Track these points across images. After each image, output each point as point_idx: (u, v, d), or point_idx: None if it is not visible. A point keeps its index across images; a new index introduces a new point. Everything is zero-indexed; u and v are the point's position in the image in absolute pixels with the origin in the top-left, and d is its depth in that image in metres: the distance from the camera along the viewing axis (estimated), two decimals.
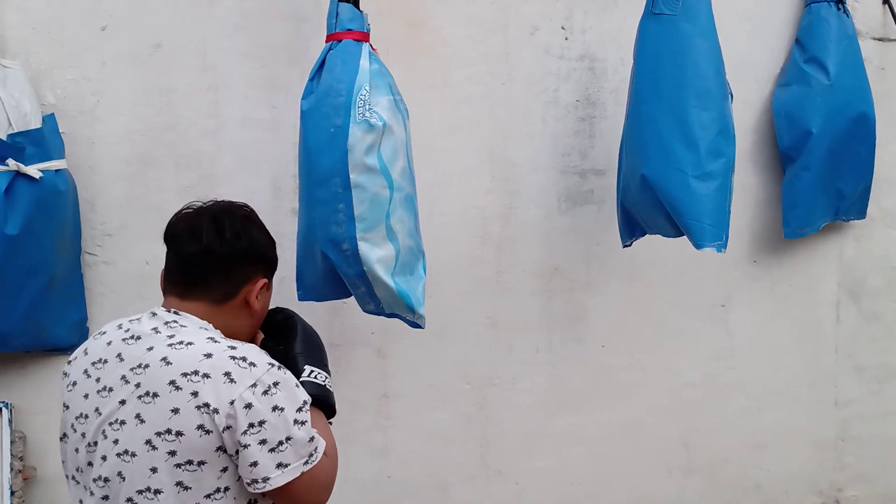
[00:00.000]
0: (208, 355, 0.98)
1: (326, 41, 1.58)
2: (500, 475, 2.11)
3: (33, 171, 1.64)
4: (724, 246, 1.66)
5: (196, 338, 1.01)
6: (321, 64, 1.54)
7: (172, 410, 0.96)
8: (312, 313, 1.81)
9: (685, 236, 1.70)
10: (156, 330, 1.03)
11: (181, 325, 1.03)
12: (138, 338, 1.03)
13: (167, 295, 1.10)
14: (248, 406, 0.97)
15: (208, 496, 0.99)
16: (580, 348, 2.13)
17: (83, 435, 1.02)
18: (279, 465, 0.99)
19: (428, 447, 2.04)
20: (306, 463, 1.01)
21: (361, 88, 1.49)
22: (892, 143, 2.28)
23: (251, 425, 0.97)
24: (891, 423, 2.40)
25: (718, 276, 2.20)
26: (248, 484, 0.99)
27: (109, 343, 1.05)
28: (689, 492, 2.26)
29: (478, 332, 2.05)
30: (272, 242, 1.15)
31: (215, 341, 1.01)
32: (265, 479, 0.98)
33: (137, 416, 0.98)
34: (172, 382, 0.97)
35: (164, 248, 1.81)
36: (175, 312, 1.05)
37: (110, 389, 1.01)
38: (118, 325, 1.08)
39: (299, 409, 1.01)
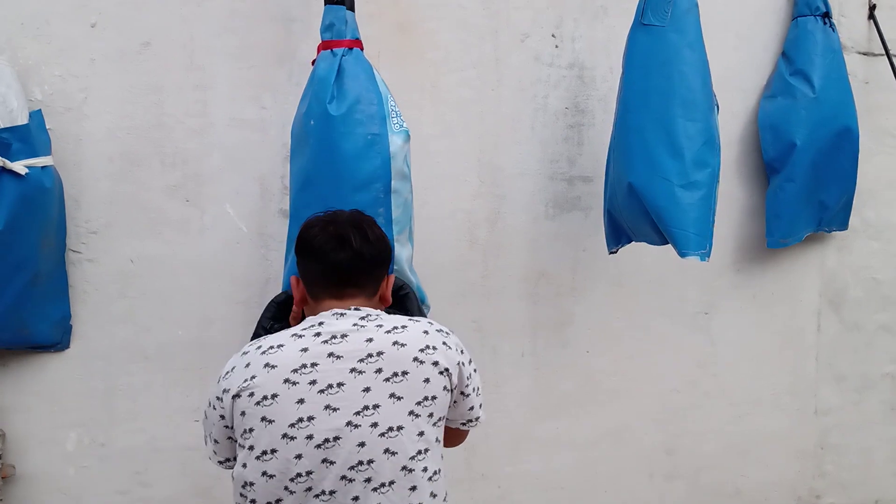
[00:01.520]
0: (425, 332, 1.16)
1: (331, 46, 1.58)
2: (484, 479, 2.12)
3: (19, 167, 1.62)
4: (707, 255, 1.68)
5: (400, 322, 1.16)
6: (339, 70, 1.56)
7: (424, 381, 1.12)
8: None
9: (670, 244, 1.72)
10: (357, 326, 1.14)
11: (376, 315, 1.16)
12: (344, 336, 1.12)
13: (320, 299, 1.19)
14: (461, 364, 1.18)
15: (441, 445, 1.18)
16: (565, 353, 2.14)
17: (310, 437, 1.07)
18: (481, 406, 1.25)
19: None
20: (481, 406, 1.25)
21: (389, 98, 1.59)
22: (875, 157, 2.32)
23: (468, 377, 1.19)
24: (869, 433, 2.43)
25: (702, 284, 2.23)
26: (463, 424, 1.24)
27: (305, 349, 1.11)
28: (670, 497, 2.28)
29: (463, 336, 2.00)
30: (390, 242, 1.33)
31: (416, 321, 1.19)
32: (477, 418, 1.25)
33: (392, 395, 1.10)
34: (416, 359, 1.12)
35: (149, 246, 1.83)
36: (356, 308, 1.17)
37: (340, 384, 1.09)
38: (295, 336, 1.13)
39: (471, 360, 1.23)
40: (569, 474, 2.18)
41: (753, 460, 2.34)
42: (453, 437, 1.29)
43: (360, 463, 1.08)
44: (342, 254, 1.17)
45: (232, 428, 1.13)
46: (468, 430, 1.29)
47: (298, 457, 1.07)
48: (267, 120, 1.88)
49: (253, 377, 1.10)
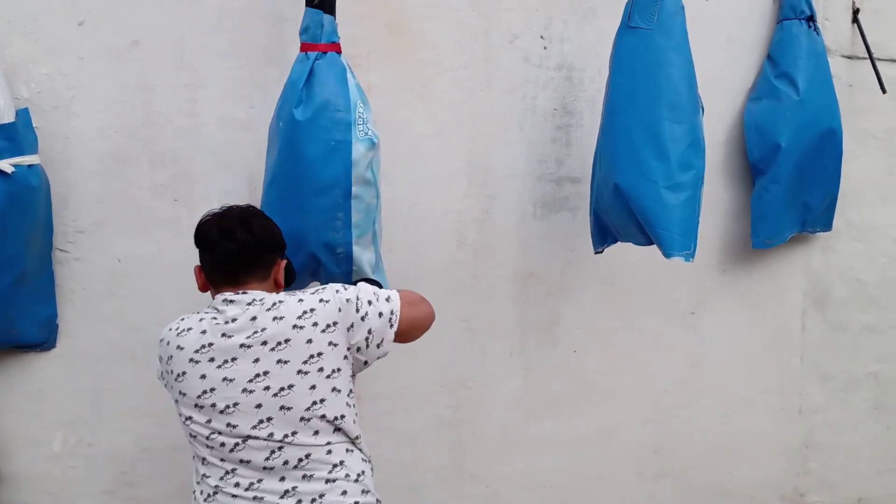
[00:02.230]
0: (300, 301, 1.31)
1: (306, 49, 1.61)
2: (473, 478, 2.13)
3: (6, 165, 1.62)
4: (691, 256, 1.69)
5: (279, 298, 1.32)
6: (309, 74, 1.59)
7: (307, 342, 1.28)
8: None
9: (655, 245, 1.73)
10: (244, 308, 1.30)
11: (260, 298, 1.31)
12: (234, 319, 1.29)
13: (217, 285, 1.36)
14: (344, 302, 1.32)
15: (348, 395, 1.33)
16: (554, 353, 2.15)
17: (213, 405, 1.27)
18: (387, 299, 1.36)
19: (401, 450, 2.04)
20: (388, 300, 1.36)
21: (357, 105, 1.61)
22: (859, 158, 2.35)
23: (351, 301, 1.32)
24: (854, 432, 2.46)
25: (689, 284, 2.25)
26: (390, 327, 1.34)
27: (204, 332, 1.30)
28: (658, 496, 2.29)
29: (453, 336, 2.06)
30: (280, 231, 1.43)
31: (291, 294, 1.34)
32: (391, 312, 1.35)
33: (279, 361, 1.27)
34: (295, 326, 1.28)
35: (137, 246, 1.83)
36: (243, 292, 1.32)
37: (234, 359, 1.27)
38: (199, 319, 1.32)
39: (352, 287, 1.36)
40: (558, 473, 2.19)
41: (740, 459, 2.36)
42: (404, 332, 1.37)
43: (261, 421, 1.26)
44: (230, 245, 1.32)
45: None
46: (407, 315, 1.37)
47: (209, 421, 1.28)
48: (257, 119, 1.88)
49: (171, 357, 1.32)
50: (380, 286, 1.48)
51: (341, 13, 1.80)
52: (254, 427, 1.26)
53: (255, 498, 1.27)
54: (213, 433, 1.28)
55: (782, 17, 2.19)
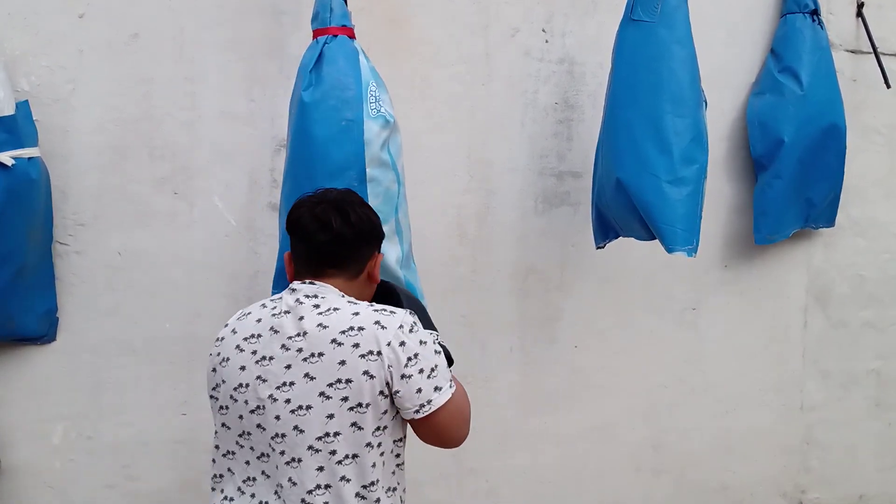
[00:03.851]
0: (356, 314, 1.14)
1: (318, 34, 1.58)
2: (473, 473, 2.13)
3: (5, 158, 1.61)
4: (694, 251, 1.68)
5: (339, 304, 1.16)
6: (318, 57, 1.54)
7: (339, 363, 1.11)
8: None
9: (657, 240, 1.72)
10: (299, 301, 1.17)
11: (321, 297, 1.17)
12: (286, 311, 1.16)
13: (302, 277, 1.23)
14: (402, 344, 1.13)
15: (373, 433, 1.14)
16: (553, 349, 2.15)
17: (246, 402, 1.15)
18: (436, 389, 1.15)
19: None
20: (451, 386, 1.18)
21: (370, 84, 1.55)
22: (862, 154, 2.33)
23: (409, 359, 1.13)
24: (854, 429, 2.46)
25: (690, 280, 2.24)
26: (415, 411, 1.15)
27: (259, 320, 1.18)
28: (657, 492, 2.29)
29: (452, 331, 2.05)
30: (380, 220, 1.29)
31: (355, 303, 1.18)
32: (429, 402, 1.15)
33: (306, 374, 1.12)
34: (334, 341, 1.12)
35: (137, 239, 1.82)
36: (311, 283, 1.19)
37: (270, 358, 1.14)
38: (262, 305, 1.22)
39: (435, 341, 1.20)
40: (556, 469, 2.19)
41: (739, 456, 2.35)
42: (424, 431, 1.19)
43: (277, 435, 1.14)
44: (323, 235, 1.19)
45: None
46: (442, 420, 1.17)
47: (240, 417, 1.16)
48: (256, 113, 1.87)
49: (223, 338, 1.21)
50: (413, 297, 1.35)
51: None
52: (273, 437, 1.13)
53: None
54: (242, 434, 1.16)
55: (786, 11, 2.18)
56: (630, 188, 1.70)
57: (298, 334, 1.13)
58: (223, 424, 1.20)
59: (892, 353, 2.47)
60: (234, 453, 1.20)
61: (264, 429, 1.14)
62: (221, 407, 1.19)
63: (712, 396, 2.31)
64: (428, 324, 1.31)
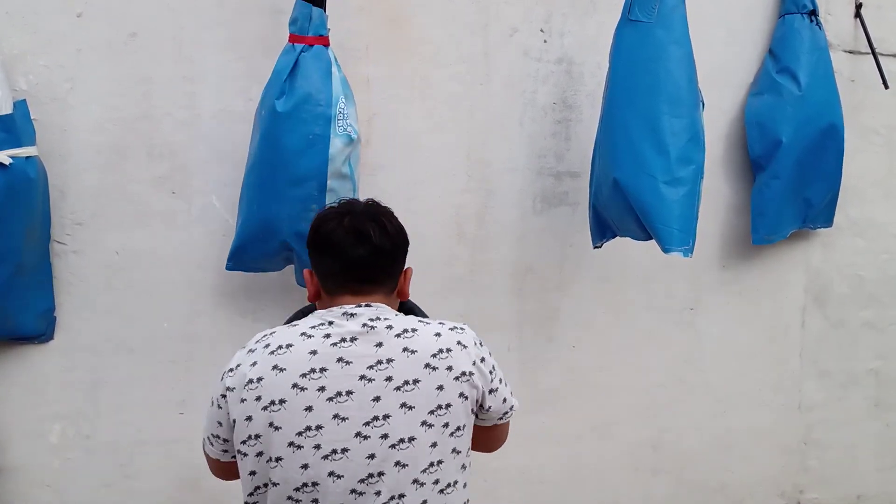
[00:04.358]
0: (437, 335, 1.10)
1: (294, 41, 1.64)
2: (471, 473, 2.12)
3: (3, 157, 1.61)
4: (690, 251, 1.69)
5: (412, 323, 1.10)
6: (294, 66, 1.61)
7: (437, 388, 1.07)
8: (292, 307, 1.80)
9: (654, 240, 1.72)
10: (367, 327, 1.08)
11: (385, 317, 1.10)
12: (354, 339, 1.07)
13: (335, 295, 1.14)
14: (483, 360, 1.14)
15: (467, 454, 1.14)
16: (551, 348, 2.15)
17: (317, 447, 1.03)
18: (511, 393, 1.20)
19: None
20: (506, 401, 1.20)
21: (339, 100, 1.63)
22: (860, 154, 2.34)
23: (490, 372, 1.14)
24: (853, 429, 2.46)
25: (688, 279, 2.24)
26: (499, 418, 1.18)
27: (314, 352, 1.06)
28: (655, 492, 2.29)
29: None
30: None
31: (427, 322, 1.13)
32: (511, 407, 1.20)
33: (403, 405, 1.05)
34: (428, 366, 1.07)
35: (135, 238, 1.82)
36: (367, 305, 1.11)
37: (349, 393, 1.04)
38: (303, 334, 1.07)
39: (490, 352, 1.19)
40: (554, 468, 2.19)
41: (738, 455, 2.35)
42: (492, 437, 1.22)
43: (371, 476, 1.04)
44: (361, 249, 1.11)
45: (230, 431, 1.09)
46: (506, 424, 1.24)
47: (304, 466, 1.03)
48: (254, 112, 1.87)
49: (260, 379, 1.05)
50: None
51: (340, 6, 1.80)
52: (361, 481, 1.03)
53: None
54: (305, 485, 1.03)
55: (784, 12, 2.18)
56: (627, 188, 1.70)
57: (381, 362, 1.05)
58: (272, 483, 1.05)
59: (891, 353, 2.47)
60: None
61: (341, 476, 1.03)
62: (271, 459, 1.04)
63: (711, 396, 2.31)
64: None
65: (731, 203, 2.26)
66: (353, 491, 1.04)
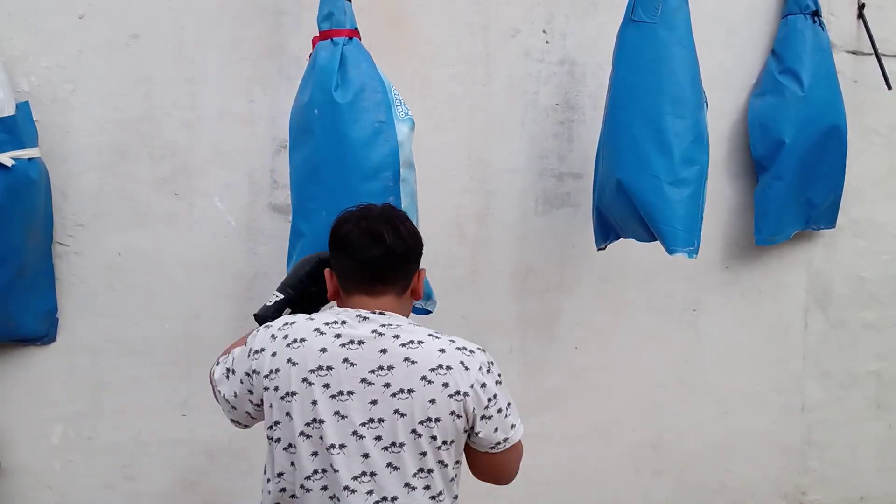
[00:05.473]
0: (442, 350, 1.14)
1: (330, 36, 1.58)
2: (471, 473, 2.12)
3: (6, 158, 1.61)
4: (695, 252, 1.68)
5: (420, 335, 1.15)
6: (341, 59, 1.55)
7: (430, 401, 1.11)
8: None
9: (658, 241, 1.72)
10: (376, 333, 1.13)
11: (397, 325, 1.15)
12: (361, 342, 1.13)
13: (351, 294, 1.20)
14: (483, 385, 1.14)
15: (453, 467, 1.17)
16: (553, 349, 2.15)
17: (321, 438, 1.10)
18: (511, 427, 1.19)
19: None
20: (521, 423, 1.21)
21: (391, 87, 1.58)
22: (863, 155, 2.33)
23: (489, 400, 1.15)
24: (854, 429, 2.46)
25: (690, 280, 2.24)
26: (490, 448, 1.18)
27: (324, 350, 1.12)
28: (656, 493, 2.29)
29: (452, 331, 2.01)
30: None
31: (437, 337, 1.16)
32: (504, 440, 1.18)
33: (396, 411, 1.10)
34: (424, 378, 1.11)
35: (137, 240, 1.82)
36: (381, 313, 1.16)
37: (350, 393, 1.11)
38: (316, 330, 1.14)
39: (502, 378, 1.20)
40: (555, 469, 2.19)
41: (739, 456, 2.35)
42: (489, 465, 1.22)
43: (363, 474, 1.10)
44: (375, 250, 1.17)
45: (259, 405, 1.17)
46: (507, 457, 1.21)
47: (314, 454, 1.11)
48: (256, 113, 1.87)
49: (277, 370, 1.13)
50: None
51: None
52: (355, 478, 1.10)
53: None
54: (316, 472, 1.11)
55: (787, 12, 2.17)
56: (630, 189, 1.70)
57: (382, 367, 1.11)
58: (292, 464, 1.14)
59: (892, 353, 2.46)
60: (306, 490, 1.13)
61: (337, 470, 1.10)
62: (290, 445, 1.13)
63: (712, 397, 2.30)
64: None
65: (732, 204, 2.26)
66: (345, 488, 1.10)
